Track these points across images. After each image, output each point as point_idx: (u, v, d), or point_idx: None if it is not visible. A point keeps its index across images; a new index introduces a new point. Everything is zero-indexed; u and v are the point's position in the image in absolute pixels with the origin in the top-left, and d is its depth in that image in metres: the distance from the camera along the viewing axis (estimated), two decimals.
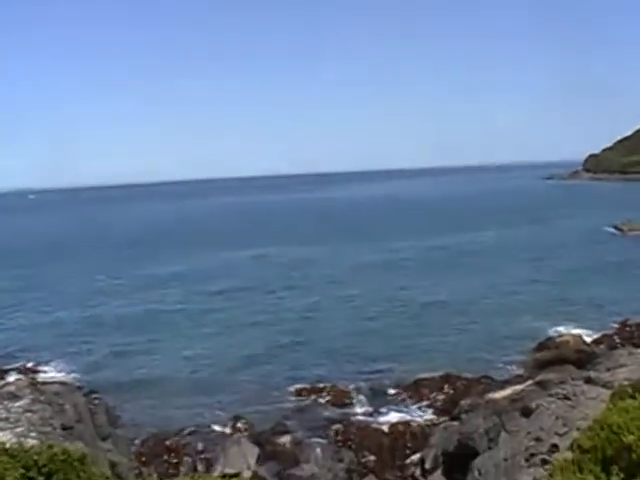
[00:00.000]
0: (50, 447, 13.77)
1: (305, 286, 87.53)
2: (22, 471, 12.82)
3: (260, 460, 38.00)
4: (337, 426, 43.25)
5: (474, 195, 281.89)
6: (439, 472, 35.25)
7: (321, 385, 49.94)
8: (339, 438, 41.69)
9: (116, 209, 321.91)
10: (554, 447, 25.02)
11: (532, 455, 26.89)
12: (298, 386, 50.09)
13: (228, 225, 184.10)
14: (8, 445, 14.50)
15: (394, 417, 44.56)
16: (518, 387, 42.78)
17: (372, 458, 39.32)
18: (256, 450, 38.57)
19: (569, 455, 10.49)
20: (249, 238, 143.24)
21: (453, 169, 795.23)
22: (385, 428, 42.66)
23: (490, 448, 33.74)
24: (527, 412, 33.82)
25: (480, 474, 31.91)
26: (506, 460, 31.53)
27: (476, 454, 33.49)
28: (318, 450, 38.00)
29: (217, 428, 43.94)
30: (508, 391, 42.45)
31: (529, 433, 32.57)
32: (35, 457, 13.22)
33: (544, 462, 24.03)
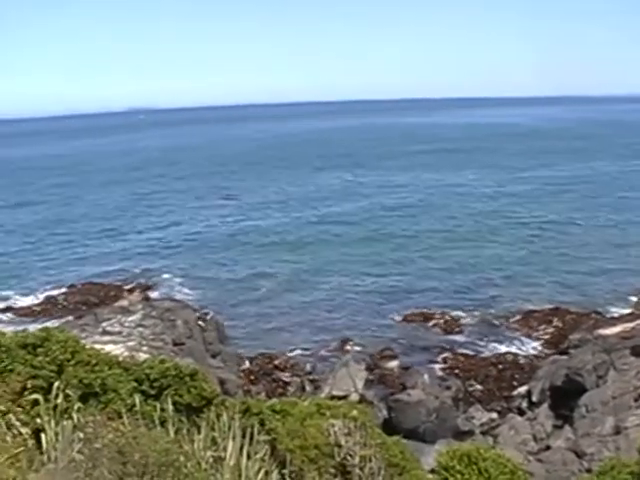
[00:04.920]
0: (162, 362, 13.65)
1: (427, 213, 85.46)
2: (134, 384, 12.75)
3: (367, 383, 37.97)
4: (445, 354, 42.95)
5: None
6: (545, 406, 34.64)
7: (430, 312, 49.43)
8: (446, 365, 41.38)
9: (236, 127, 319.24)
10: None
11: None
12: (407, 311, 49.70)
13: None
14: (121, 358, 14.48)
15: (502, 348, 43.92)
16: (629, 325, 41.53)
17: (479, 387, 38.90)
18: (364, 373, 38.54)
19: None
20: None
21: (558, 98, 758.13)
22: (493, 358, 42.12)
23: (598, 385, 32.91)
24: (637, 351, 32.78)
25: (587, 411, 31.19)
26: (614, 398, 30.71)
27: (584, 390, 32.73)
28: (425, 376, 37.70)
29: (325, 350, 44.03)
30: (618, 328, 41.29)
31: (639, 372, 31.57)
32: (147, 371, 13.13)
33: None
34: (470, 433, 33.71)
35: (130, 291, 52.25)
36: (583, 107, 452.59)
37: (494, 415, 35.49)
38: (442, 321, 47.93)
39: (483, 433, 33.99)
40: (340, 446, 11.97)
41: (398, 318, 48.82)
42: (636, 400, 29.61)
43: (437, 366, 41.15)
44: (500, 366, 40.88)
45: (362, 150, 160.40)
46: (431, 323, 47.87)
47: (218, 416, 11.34)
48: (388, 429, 26.94)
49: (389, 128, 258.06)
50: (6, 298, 53.51)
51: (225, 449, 10.19)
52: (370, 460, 11.62)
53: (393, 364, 41.31)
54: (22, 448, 9.80)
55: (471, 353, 42.99)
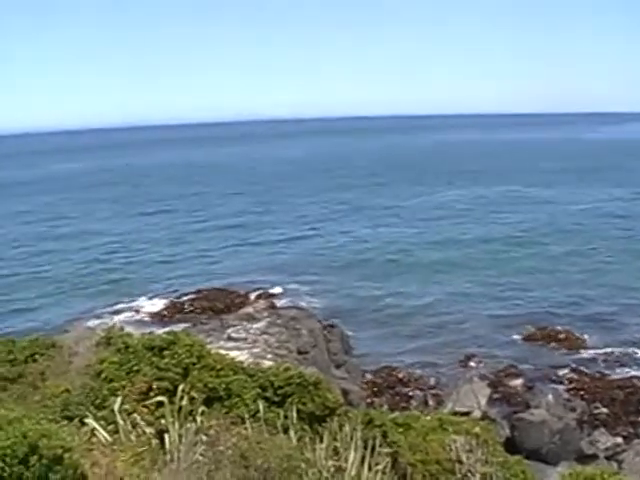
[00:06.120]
0: (287, 369, 13.71)
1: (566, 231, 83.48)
2: (258, 390, 12.85)
3: (490, 401, 37.38)
4: (570, 374, 41.82)
5: None
6: None
7: (555, 330, 48.24)
8: (571, 386, 40.25)
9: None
10: None
11: None
12: (531, 329, 48.62)
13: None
14: (246, 364, 14.62)
15: (629, 371, 42.31)
16: None
17: (604, 410, 37.58)
18: (487, 390, 37.98)
19: None
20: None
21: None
22: (619, 381, 40.69)
23: None
24: None
25: None
26: None
27: None
28: (550, 396, 36.83)
29: (449, 364, 43.57)
30: None
31: None
32: (272, 378, 13.21)
33: None
34: (594, 457, 32.65)
35: (256, 298, 52.80)
36: None
37: (619, 440, 34.24)
38: (567, 340, 46.64)
39: (607, 458, 32.84)
40: (461, 462, 11.75)
41: (522, 336, 47.79)
42: None
43: (561, 386, 40.05)
44: (627, 390, 39.42)
45: (489, 165, 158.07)
46: (556, 342, 46.64)
47: (341, 426, 11.24)
48: (510, 448, 26.40)
49: (513, 143, 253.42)
50: (134, 301, 54.93)
51: (346, 459, 10.07)
52: (491, 478, 11.36)
53: (517, 382, 40.51)
54: (146, 447, 9.94)
55: (597, 375, 41.65)
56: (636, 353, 44.82)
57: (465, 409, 34.94)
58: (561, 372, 42.05)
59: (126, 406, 11.38)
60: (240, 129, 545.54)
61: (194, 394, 11.75)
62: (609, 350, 45.20)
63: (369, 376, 41.66)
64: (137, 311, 52.45)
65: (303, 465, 9.10)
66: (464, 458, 11.75)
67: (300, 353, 38.56)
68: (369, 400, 37.49)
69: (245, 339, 39.34)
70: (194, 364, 12.78)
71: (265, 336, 39.62)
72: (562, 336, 47.30)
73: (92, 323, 42.51)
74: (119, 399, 11.38)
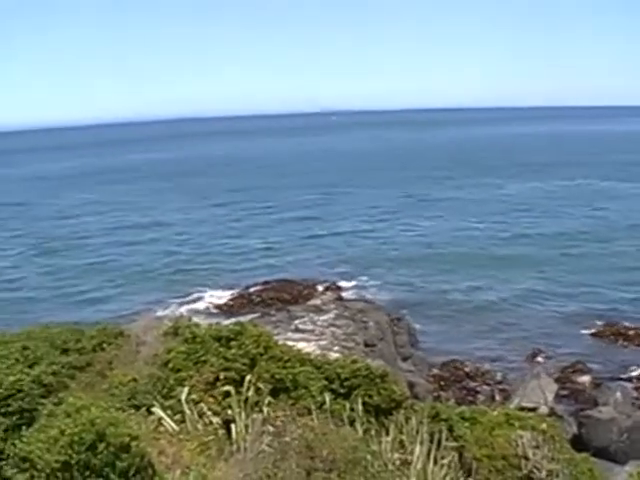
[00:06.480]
0: (354, 362, 13.71)
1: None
2: (325, 382, 12.85)
3: (557, 397, 36.90)
4: (639, 371, 41.00)
5: None
6: None
7: (624, 326, 47.29)
8: None
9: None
10: None
11: None
12: (599, 325, 47.77)
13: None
14: (312, 356, 14.62)
15: None
16: None
17: None
18: (554, 386, 37.44)
19: None
20: None
21: None
22: None
23: None
24: None
25: None
26: None
27: None
28: (618, 394, 36.05)
29: (516, 359, 43.10)
30: None
31: None
32: (338, 370, 13.21)
33: None
34: None
35: (323, 290, 52.82)
36: None
37: None
38: (637, 338, 45.51)
39: None
40: (527, 458, 11.64)
41: (591, 332, 46.94)
42: None
43: (630, 384, 39.10)
44: None
45: (556, 158, 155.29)
46: (625, 339, 45.59)
47: (407, 419, 11.22)
48: (577, 445, 25.96)
49: (566, 135, 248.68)
50: (202, 292, 55.36)
51: (412, 452, 10.04)
52: (557, 475, 11.23)
53: (584, 379, 39.83)
54: (212, 437, 10.01)
55: None
56: None
57: (532, 405, 34.51)
58: (630, 370, 41.19)
59: (193, 396, 11.49)
60: (297, 121, 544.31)
61: (261, 385, 11.82)
62: None
63: (435, 370, 41.40)
64: (204, 302, 52.86)
65: (369, 457, 9.07)
66: (530, 454, 11.64)
67: (367, 345, 38.51)
68: (435, 394, 37.22)
69: (312, 331, 39.43)
70: (261, 355, 12.82)
71: (332, 328, 39.66)
72: (632, 333, 46.31)
73: (160, 313, 42.92)
74: (186, 389, 11.50)
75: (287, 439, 8.80)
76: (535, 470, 11.25)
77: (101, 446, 8.08)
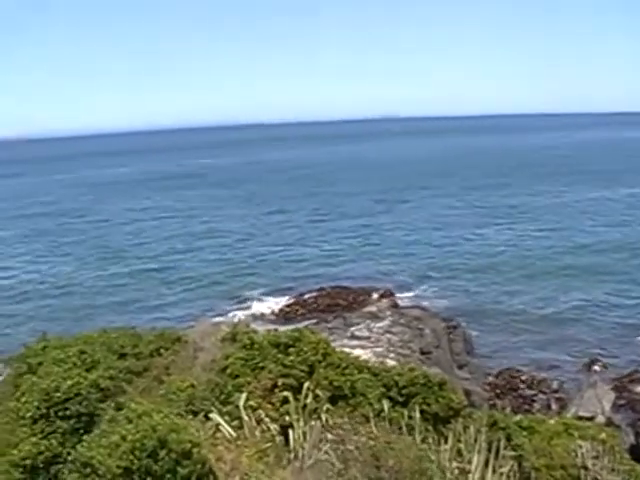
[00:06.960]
0: (411, 370, 13.67)
1: None
2: (383, 390, 12.84)
3: (615, 406, 36.36)
4: None
5: None
6: None
7: None
8: None
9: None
10: None
11: None
12: None
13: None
14: (370, 363, 14.61)
15: None
16: None
17: None
18: (612, 395, 36.88)
19: None
20: None
21: None
22: None
23: None
24: None
25: None
26: None
27: None
28: None
29: (573, 368, 42.63)
30: None
31: None
32: (396, 378, 13.18)
33: None
34: None
35: (379, 297, 52.62)
36: None
37: None
38: None
39: None
40: (587, 469, 11.50)
41: None
42: None
43: None
44: None
45: (618, 165, 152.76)
46: None
47: (465, 428, 11.14)
48: (635, 455, 25.54)
49: (622, 142, 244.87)
50: (259, 299, 55.64)
51: (470, 461, 9.96)
52: None
53: None
54: (270, 444, 10.03)
55: None
56: None
57: (589, 414, 34.05)
58: None
59: (251, 402, 11.53)
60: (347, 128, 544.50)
61: (319, 392, 11.82)
62: None
63: (491, 378, 41.10)
64: (261, 308, 53.08)
65: (434, 467, 9.03)
66: (590, 464, 11.49)
67: (423, 353, 38.31)
68: (491, 402, 36.94)
69: (368, 338, 39.32)
70: (319, 362, 12.85)
71: (388, 335, 39.51)
72: None
73: (218, 319, 43.18)
74: (244, 395, 11.55)
75: (350, 447, 8.79)
76: None
77: (162, 452, 8.15)
